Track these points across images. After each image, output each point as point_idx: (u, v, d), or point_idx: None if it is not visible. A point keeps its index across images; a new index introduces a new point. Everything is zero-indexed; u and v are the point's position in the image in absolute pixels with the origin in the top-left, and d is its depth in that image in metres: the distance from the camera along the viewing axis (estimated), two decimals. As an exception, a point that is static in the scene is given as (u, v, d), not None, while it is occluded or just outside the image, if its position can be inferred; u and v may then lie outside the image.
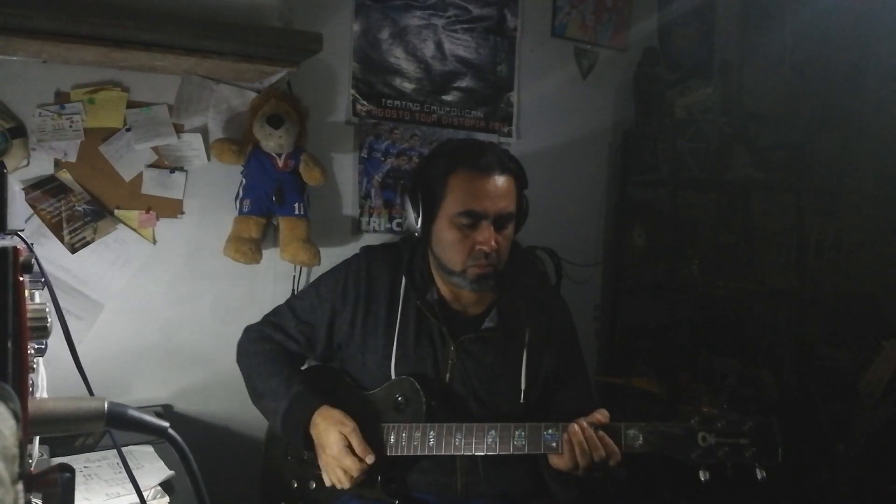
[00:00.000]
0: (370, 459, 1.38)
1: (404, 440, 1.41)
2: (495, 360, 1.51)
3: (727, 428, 1.21)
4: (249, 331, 1.65)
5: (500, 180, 1.44)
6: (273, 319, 1.64)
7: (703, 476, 1.21)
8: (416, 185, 1.50)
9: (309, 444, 1.45)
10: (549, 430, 1.31)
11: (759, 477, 1.19)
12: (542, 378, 1.53)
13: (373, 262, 1.60)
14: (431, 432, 1.39)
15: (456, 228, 1.44)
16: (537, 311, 1.57)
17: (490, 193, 1.42)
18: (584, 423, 1.28)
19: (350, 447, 1.38)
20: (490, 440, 1.34)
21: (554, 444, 1.30)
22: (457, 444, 1.37)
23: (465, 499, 1.47)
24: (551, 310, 1.61)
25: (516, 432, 1.33)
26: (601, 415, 1.30)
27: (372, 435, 1.41)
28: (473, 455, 1.39)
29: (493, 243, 1.43)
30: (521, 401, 1.50)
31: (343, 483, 1.40)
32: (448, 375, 1.50)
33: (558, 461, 1.32)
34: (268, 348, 1.59)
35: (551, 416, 1.43)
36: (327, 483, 1.44)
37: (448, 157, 1.48)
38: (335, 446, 1.38)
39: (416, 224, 1.48)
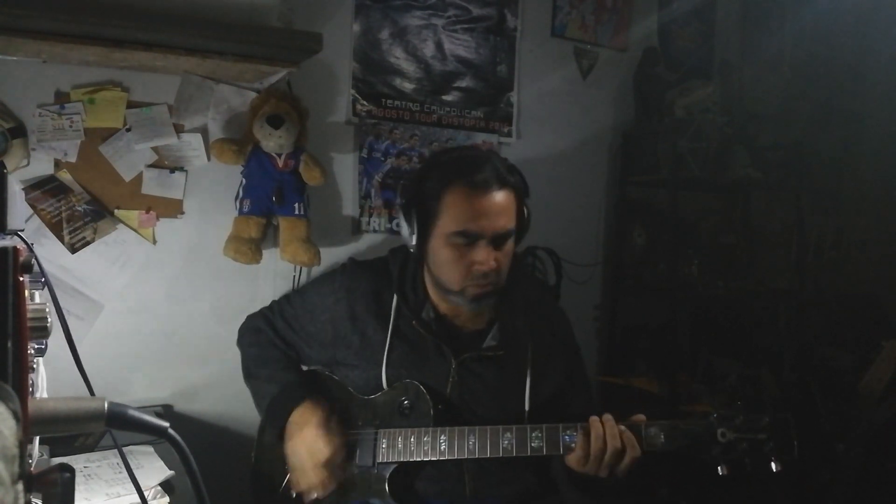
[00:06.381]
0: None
1: (413, 445, 1.37)
2: (498, 381, 1.46)
3: (745, 424, 1.24)
4: (250, 318, 1.71)
5: (498, 196, 1.35)
6: (268, 314, 1.67)
7: (721, 471, 1.25)
8: (411, 200, 1.42)
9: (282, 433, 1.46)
10: (568, 432, 1.30)
11: (774, 469, 1.23)
12: (545, 398, 1.48)
13: (356, 280, 1.55)
14: (442, 436, 1.34)
15: (451, 247, 1.37)
16: (539, 326, 1.51)
17: (487, 212, 1.34)
18: (606, 416, 1.28)
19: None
20: (506, 443, 1.31)
21: (573, 445, 1.29)
22: (470, 447, 1.33)
23: (475, 501, 1.43)
24: (553, 322, 1.56)
25: (532, 434, 1.31)
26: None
27: (365, 440, 1.42)
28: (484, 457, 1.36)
29: (491, 263, 1.36)
30: (525, 422, 1.43)
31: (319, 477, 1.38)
32: (448, 391, 1.45)
33: (571, 457, 1.29)
34: (262, 339, 1.62)
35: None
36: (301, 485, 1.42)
37: (443, 171, 1.40)
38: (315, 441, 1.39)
39: (411, 241, 1.41)
